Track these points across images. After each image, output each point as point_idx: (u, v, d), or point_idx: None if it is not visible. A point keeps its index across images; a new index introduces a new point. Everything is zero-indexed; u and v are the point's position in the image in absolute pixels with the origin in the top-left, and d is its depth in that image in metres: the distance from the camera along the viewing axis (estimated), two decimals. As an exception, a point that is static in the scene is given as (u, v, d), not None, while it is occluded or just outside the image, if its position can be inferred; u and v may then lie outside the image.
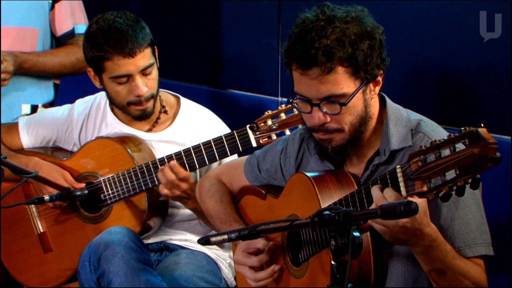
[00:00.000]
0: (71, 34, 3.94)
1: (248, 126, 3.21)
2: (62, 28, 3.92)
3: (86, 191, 3.37)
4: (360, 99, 2.39)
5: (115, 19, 3.25)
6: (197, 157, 3.25)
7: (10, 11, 3.78)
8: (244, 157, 2.98)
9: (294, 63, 2.37)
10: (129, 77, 3.24)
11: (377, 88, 2.43)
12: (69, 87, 4.49)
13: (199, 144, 3.25)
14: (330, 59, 2.31)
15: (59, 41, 3.96)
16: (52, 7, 3.90)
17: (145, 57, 3.24)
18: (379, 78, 2.41)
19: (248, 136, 3.21)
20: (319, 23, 2.34)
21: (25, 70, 3.80)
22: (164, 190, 3.23)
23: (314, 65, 2.33)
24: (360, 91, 2.38)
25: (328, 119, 2.39)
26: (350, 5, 2.42)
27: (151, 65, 3.27)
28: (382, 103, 2.52)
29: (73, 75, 4.01)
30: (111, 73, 3.24)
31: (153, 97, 3.32)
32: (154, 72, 3.30)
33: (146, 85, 3.27)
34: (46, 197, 3.29)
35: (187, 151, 3.26)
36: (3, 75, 3.63)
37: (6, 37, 3.77)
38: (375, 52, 2.36)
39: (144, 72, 3.25)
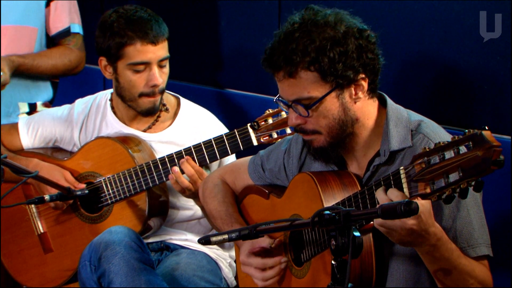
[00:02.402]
0: (66, 32, 3.94)
1: (249, 124, 3.21)
2: (56, 27, 3.93)
3: (86, 191, 3.37)
4: (334, 102, 2.41)
5: (136, 9, 3.30)
6: (198, 156, 3.25)
7: (8, 10, 3.78)
8: (248, 157, 2.99)
9: (264, 63, 2.45)
10: (147, 66, 3.27)
11: (361, 92, 2.43)
12: (68, 86, 4.48)
13: (200, 143, 3.25)
14: (289, 63, 2.37)
15: (52, 40, 3.96)
16: (47, 5, 3.90)
17: (164, 48, 3.30)
18: (362, 82, 2.41)
19: (249, 135, 3.21)
20: (293, 27, 2.40)
21: (20, 72, 3.81)
22: (178, 187, 3.23)
23: (278, 68, 2.40)
24: (333, 95, 2.40)
25: (303, 121, 2.45)
26: (333, 8, 2.44)
27: (167, 58, 3.32)
28: (383, 104, 2.52)
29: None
30: (130, 60, 3.26)
31: (163, 91, 3.36)
32: (167, 67, 3.35)
33: (161, 77, 3.30)
34: (47, 197, 3.29)
35: (188, 150, 3.26)
36: (2, 87, 3.64)
37: (4, 35, 3.77)
38: (349, 57, 2.36)
39: (161, 63, 3.30)
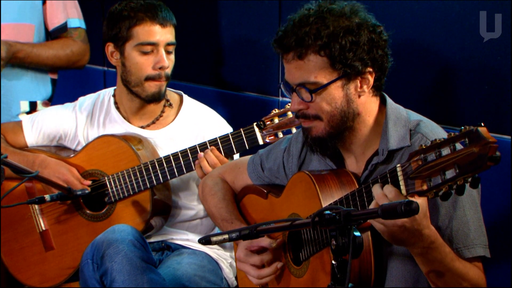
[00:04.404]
0: (63, 28, 3.96)
1: (255, 123, 3.22)
2: (53, 23, 3.95)
3: (86, 190, 3.37)
4: (339, 92, 2.42)
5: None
6: None
7: (5, 8, 3.80)
8: (248, 156, 3.00)
9: (275, 44, 2.46)
10: (154, 48, 3.31)
11: (366, 87, 2.44)
12: (69, 86, 4.49)
13: (205, 142, 3.26)
14: (301, 45, 2.38)
15: (52, 35, 3.98)
16: (44, 2, 3.92)
17: (172, 33, 3.35)
18: (368, 76, 2.43)
19: (255, 134, 3.22)
20: (308, 12, 2.42)
21: (20, 60, 3.82)
22: (200, 172, 3.24)
23: (289, 49, 2.41)
24: (339, 84, 2.41)
25: (305, 106, 2.45)
26: (349, 1, 2.46)
27: (174, 44, 3.36)
28: (383, 103, 2.53)
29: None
30: (139, 40, 3.30)
31: (168, 79, 3.37)
32: (173, 55, 3.38)
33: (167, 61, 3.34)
34: (47, 197, 3.29)
35: (193, 148, 3.27)
36: None
37: (2, 34, 3.78)
38: (360, 48, 2.38)
39: (167, 48, 3.33)
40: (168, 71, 3.35)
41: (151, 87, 3.35)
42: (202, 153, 3.24)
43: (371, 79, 2.43)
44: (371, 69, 2.42)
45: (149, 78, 3.34)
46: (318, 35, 2.37)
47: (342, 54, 2.37)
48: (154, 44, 3.31)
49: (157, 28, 3.30)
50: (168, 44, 3.33)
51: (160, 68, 3.32)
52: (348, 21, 2.39)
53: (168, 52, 3.34)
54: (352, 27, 2.38)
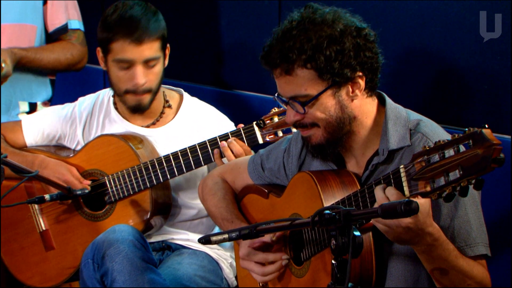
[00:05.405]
0: (63, 29, 3.96)
1: (254, 122, 3.22)
2: (54, 24, 3.95)
3: (86, 190, 3.37)
4: (330, 100, 2.42)
5: (133, 6, 3.29)
6: (202, 153, 3.25)
7: (7, 8, 3.79)
8: (248, 156, 3.00)
9: (262, 61, 2.47)
10: (131, 64, 3.26)
11: (358, 90, 2.44)
12: (68, 86, 4.48)
13: (205, 141, 3.26)
14: (286, 60, 2.39)
15: (51, 37, 3.97)
16: (44, 3, 3.92)
17: (152, 48, 3.26)
18: (359, 80, 2.42)
19: (254, 133, 3.21)
20: (291, 25, 2.42)
21: (22, 65, 3.82)
22: (220, 163, 3.22)
23: (276, 65, 2.42)
24: (329, 93, 2.41)
25: (301, 117, 2.46)
26: (332, 6, 2.46)
27: (155, 59, 3.28)
28: (382, 103, 2.53)
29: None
30: (115, 56, 3.27)
31: (151, 91, 3.32)
32: (158, 67, 3.31)
33: (146, 77, 3.28)
34: (47, 197, 3.28)
35: (192, 147, 3.26)
36: (3, 79, 3.64)
37: (3, 34, 3.78)
38: (345, 55, 2.37)
39: (148, 63, 3.27)
40: (148, 85, 3.29)
41: (130, 100, 3.34)
42: (225, 142, 3.21)
43: (362, 82, 2.43)
44: (360, 73, 2.42)
45: (128, 92, 3.32)
46: (301, 49, 2.37)
47: (328, 64, 2.37)
48: (130, 61, 3.26)
49: (131, 46, 3.23)
50: (148, 60, 3.27)
51: (135, 85, 3.28)
52: (330, 29, 2.38)
53: (149, 67, 3.28)
54: (335, 36, 2.38)
